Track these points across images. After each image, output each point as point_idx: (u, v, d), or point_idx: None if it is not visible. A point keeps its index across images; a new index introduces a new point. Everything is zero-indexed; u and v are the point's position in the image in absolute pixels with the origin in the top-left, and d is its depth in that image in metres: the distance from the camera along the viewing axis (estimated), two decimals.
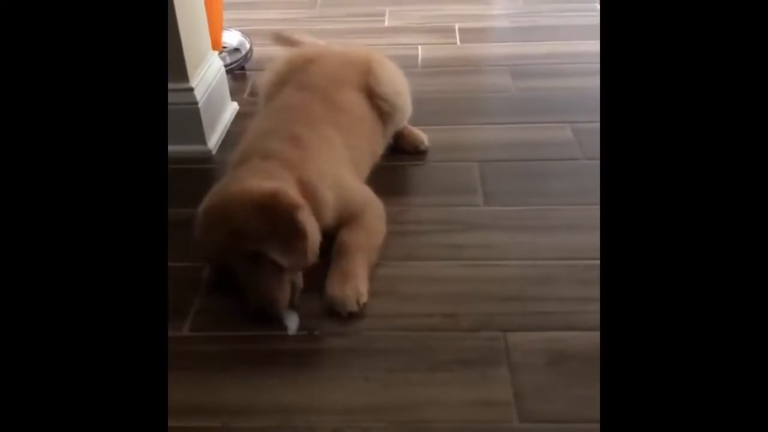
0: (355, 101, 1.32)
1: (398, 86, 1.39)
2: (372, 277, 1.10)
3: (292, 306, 1.04)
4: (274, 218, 1.00)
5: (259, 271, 1.01)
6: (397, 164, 1.42)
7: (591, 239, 1.18)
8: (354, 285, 1.06)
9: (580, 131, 1.50)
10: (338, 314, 1.04)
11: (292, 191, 1.05)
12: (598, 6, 2.21)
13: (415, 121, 1.48)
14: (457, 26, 2.11)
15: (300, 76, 1.34)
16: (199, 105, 1.42)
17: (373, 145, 1.35)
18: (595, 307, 1.03)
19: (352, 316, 1.04)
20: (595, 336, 0.98)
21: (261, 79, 1.46)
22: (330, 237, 1.12)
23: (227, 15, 1.89)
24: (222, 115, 1.56)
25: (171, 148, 1.28)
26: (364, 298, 1.05)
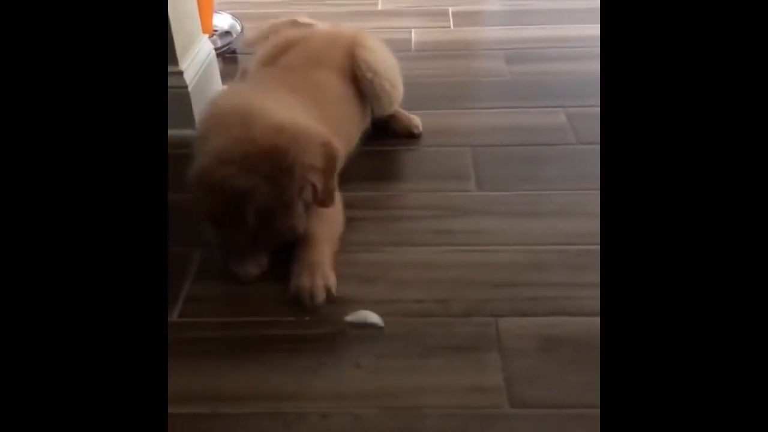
0: (331, 81, 1.30)
1: (382, 70, 1.35)
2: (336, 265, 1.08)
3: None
4: (329, 156, 1.05)
5: (292, 206, 1.04)
6: (389, 149, 1.41)
7: (584, 224, 1.17)
8: (322, 273, 1.05)
9: (574, 116, 1.49)
10: (304, 306, 1.02)
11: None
12: None
13: (407, 105, 1.47)
14: (450, 10, 2.09)
15: (282, 58, 1.33)
16: (189, 89, 1.40)
17: (349, 130, 1.31)
18: (588, 293, 1.03)
19: (326, 305, 1.03)
20: (587, 321, 0.98)
21: (249, 63, 1.44)
22: None
23: None
24: None
25: None
26: (334, 287, 1.04)
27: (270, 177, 1.00)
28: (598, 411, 0.84)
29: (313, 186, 1.05)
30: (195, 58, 1.46)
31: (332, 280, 1.05)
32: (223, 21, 1.90)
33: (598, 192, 1.22)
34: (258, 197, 1.00)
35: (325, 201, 1.09)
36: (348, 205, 1.18)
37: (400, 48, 1.82)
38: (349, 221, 1.16)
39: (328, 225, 1.12)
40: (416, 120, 1.45)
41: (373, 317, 1.00)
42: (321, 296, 1.03)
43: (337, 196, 1.16)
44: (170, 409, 0.84)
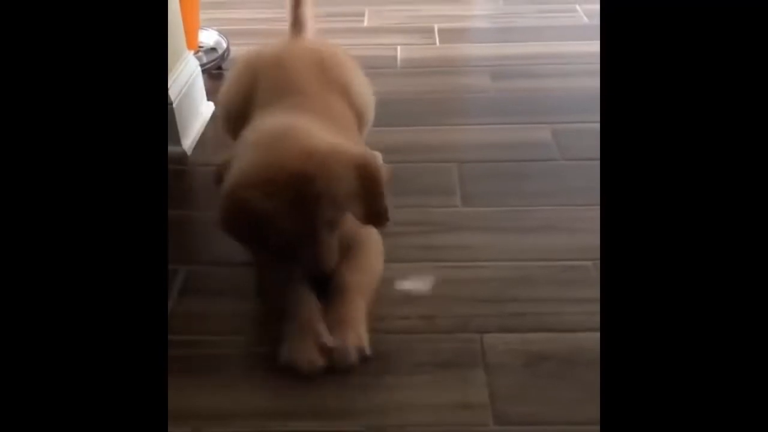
0: (340, 104, 1.22)
1: (370, 96, 1.31)
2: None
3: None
4: (368, 177, 0.98)
5: (317, 237, 0.97)
6: None
7: (569, 240, 1.18)
8: (356, 335, 0.97)
9: (559, 132, 1.50)
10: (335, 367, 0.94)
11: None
12: (578, 7, 2.22)
13: (393, 122, 1.48)
14: (436, 27, 2.11)
15: (275, 82, 1.20)
16: (174, 105, 1.40)
17: None
18: (573, 308, 1.03)
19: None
20: (573, 337, 0.98)
21: (221, 96, 1.30)
22: None
23: (204, 14, 1.87)
24: (197, 116, 1.54)
25: None
26: (368, 349, 0.96)
27: (294, 203, 0.94)
28: (583, 428, 0.85)
29: (351, 211, 0.99)
30: (180, 74, 1.46)
31: (365, 341, 0.97)
32: (209, 37, 1.90)
33: (583, 207, 1.24)
34: (280, 222, 0.94)
35: (376, 221, 1.03)
36: None
37: (385, 65, 1.84)
38: None
39: (364, 274, 1.05)
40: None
41: None
42: (353, 358, 0.95)
43: (377, 242, 1.11)
44: None
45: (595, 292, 1.04)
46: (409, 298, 1.07)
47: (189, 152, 1.46)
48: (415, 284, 1.02)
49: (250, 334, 1.01)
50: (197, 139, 1.51)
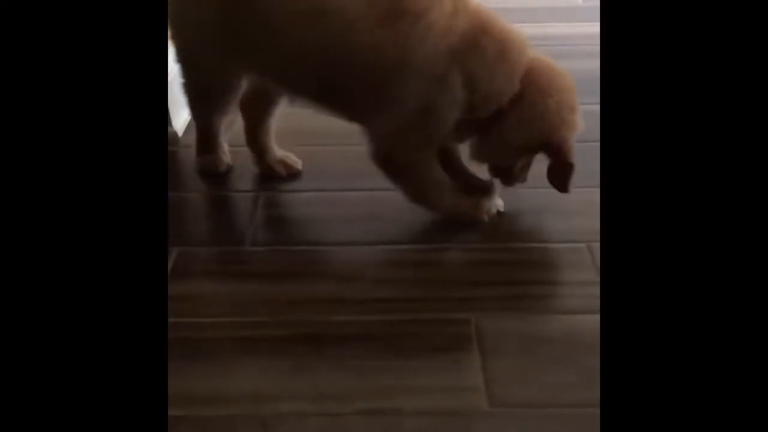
0: None
1: None
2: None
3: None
4: None
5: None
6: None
7: (565, 222, 1.17)
8: None
9: None
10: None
11: None
12: None
13: None
14: None
15: None
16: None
17: None
18: (569, 291, 1.04)
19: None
20: (569, 320, 0.98)
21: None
22: None
23: None
24: None
25: None
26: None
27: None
28: (579, 410, 0.85)
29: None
30: (171, 54, 1.44)
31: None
32: None
33: (579, 190, 1.23)
34: None
35: None
36: (325, 204, 1.17)
37: None
38: (325, 221, 1.15)
39: None
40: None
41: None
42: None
43: None
44: None
45: (591, 275, 1.04)
46: (403, 280, 1.06)
47: (180, 133, 1.44)
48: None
49: (242, 315, 1.00)
50: (188, 120, 1.49)
